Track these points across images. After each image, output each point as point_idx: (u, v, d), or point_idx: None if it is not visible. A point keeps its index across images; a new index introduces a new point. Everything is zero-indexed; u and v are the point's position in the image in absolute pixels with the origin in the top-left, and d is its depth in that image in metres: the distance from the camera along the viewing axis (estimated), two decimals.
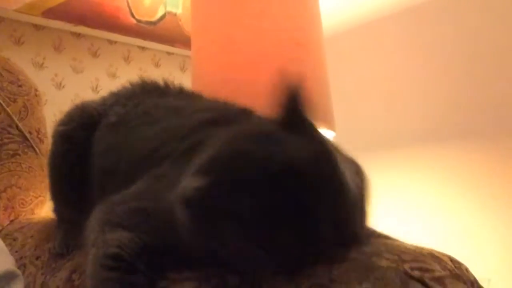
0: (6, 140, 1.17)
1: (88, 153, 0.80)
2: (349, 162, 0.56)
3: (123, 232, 0.58)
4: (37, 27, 1.57)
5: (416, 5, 1.74)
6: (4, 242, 0.90)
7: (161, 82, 0.87)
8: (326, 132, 1.28)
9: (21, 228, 1.02)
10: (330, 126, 1.32)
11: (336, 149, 0.56)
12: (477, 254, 1.37)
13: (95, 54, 1.70)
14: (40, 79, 1.48)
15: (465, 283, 0.46)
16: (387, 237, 0.57)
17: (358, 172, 0.56)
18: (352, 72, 1.90)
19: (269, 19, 1.28)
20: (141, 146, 0.71)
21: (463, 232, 1.49)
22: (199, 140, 0.65)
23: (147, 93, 0.85)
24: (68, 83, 1.63)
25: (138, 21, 1.70)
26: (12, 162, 1.16)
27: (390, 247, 0.50)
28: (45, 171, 1.10)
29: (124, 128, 0.77)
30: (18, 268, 0.83)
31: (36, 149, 1.22)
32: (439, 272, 0.45)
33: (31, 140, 1.21)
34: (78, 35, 1.66)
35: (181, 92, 0.87)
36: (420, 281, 0.43)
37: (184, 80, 1.78)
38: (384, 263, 0.46)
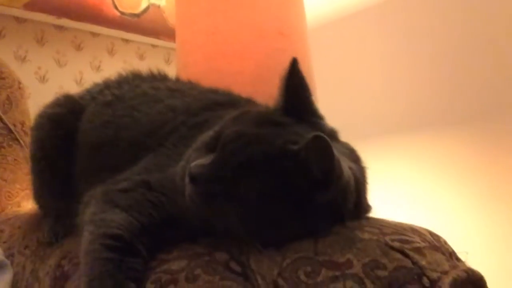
0: None
1: (74, 139, 0.80)
2: (347, 149, 0.59)
3: (122, 214, 0.58)
4: (18, 19, 1.55)
5: None
6: None
7: (156, 71, 0.88)
8: None
9: (8, 220, 1.02)
10: None
11: (334, 137, 0.59)
12: (457, 231, 1.41)
13: (78, 47, 1.69)
14: (23, 73, 1.46)
15: (443, 253, 0.48)
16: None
17: (357, 160, 0.59)
18: (336, 63, 1.93)
19: (253, 10, 1.29)
20: (147, 121, 0.72)
21: (447, 213, 1.53)
22: (206, 119, 0.67)
23: (142, 78, 0.86)
24: (52, 77, 1.62)
25: (122, 13, 1.70)
26: None
27: (372, 222, 0.52)
28: None
29: (122, 105, 0.77)
30: (7, 258, 0.84)
31: (21, 141, 1.21)
32: (418, 243, 0.47)
33: (15, 133, 1.21)
34: (61, 28, 1.65)
35: (178, 79, 0.89)
36: (400, 251, 0.45)
37: (169, 73, 1.77)
38: (366, 235, 0.48)
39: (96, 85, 0.90)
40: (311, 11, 1.64)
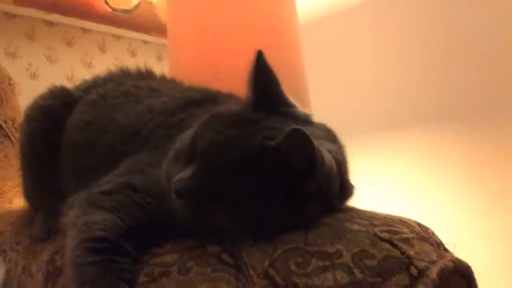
0: None
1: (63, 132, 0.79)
2: (323, 130, 0.59)
3: (106, 215, 0.57)
4: (8, 15, 1.54)
5: None
6: None
7: (143, 68, 0.88)
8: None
9: (0, 216, 1.02)
10: (307, 111, 1.34)
11: (308, 121, 0.59)
12: (446, 223, 1.43)
13: (69, 43, 1.68)
14: (13, 69, 1.45)
15: (431, 244, 0.49)
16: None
17: (334, 140, 0.59)
18: (328, 59, 1.94)
19: (245, 6, 1.29)
20: (127, 123, 0.72)
21: (435, 206, 1.55)
22: (183, 118, 0.67)
23: (128, 76, 0.86)
24: (43, 73, 1.61)
25: (113, 9, 1.69)
26: None
27: (362, 214, 0.53)
28: None
29: (105, 105, 0.77)
30: None
31: (12, 138, 1.21)
32: (407, 234, 0.48)
33: (6, 130, 1.20)
34: (51, 24, 1.64)
35: (163, 78, 0.89)
36: (389, 241, 0.46)
37: (161, 69, 1.77)
38: (355, 227, 0.48)
39: (85, 82, 0.90)
40: (303, 7, 1.64)
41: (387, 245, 0.45)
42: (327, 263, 0.44)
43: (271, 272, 0.46)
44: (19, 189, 1.22)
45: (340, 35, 1.94)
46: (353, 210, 0.56)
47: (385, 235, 0.47)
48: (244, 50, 1.28)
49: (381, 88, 1.78)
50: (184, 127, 0.62)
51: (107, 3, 1.67)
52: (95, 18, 1.66)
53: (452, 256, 0.48)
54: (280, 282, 0.44)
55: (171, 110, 0.71)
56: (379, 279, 0.42)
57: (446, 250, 0.52)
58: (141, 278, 0.53)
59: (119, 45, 1.82)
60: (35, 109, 0.84)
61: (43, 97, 0.85)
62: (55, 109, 0.82)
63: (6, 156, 1.19)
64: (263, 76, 0.57)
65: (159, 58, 1.95)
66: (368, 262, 0.44)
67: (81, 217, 0.58)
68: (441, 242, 0.53)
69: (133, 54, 1.87)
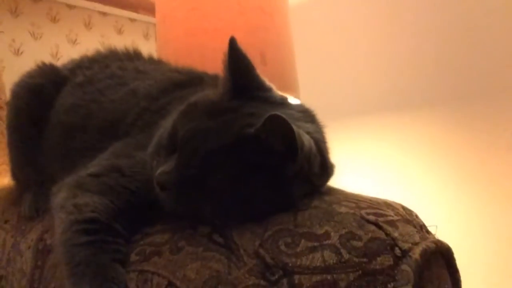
0: None
1: (51, 112, 0.79)
2: (301, 112, 0.60)
3: (95, 197, 0.58)
4: None
5: None
6: None
7: (130, 49, 0.87)
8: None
9: None
10: (295, 94, 1.35)
11: (285, 104, 0.60)
12: (429, 206, 1.47)
13: (54, 19, 1.65)
14: None
15: (414, 226, 0.51)
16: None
17: (312, 120, 0.60)
18: (317, 41, 1.93)
19: None
20: (112, 108, 0.72)
21: (419, 190, 1.59)
22: (168, 102, 0.68)
23: (115, 56, 0.85)
24: (27, 49, 1.58)
25: None
26: None
27: (349, 197, 0.54)
28: None
29: (92, 88, 0.77)
30: None
31: None
32: (391, 217, 0.50)
33: None
34: None
35: (150, 58, 0.88)
36: (375, 223, 0.48)
37: (148, 48, 1.75)
38: (343, 209, 0.50)
39: (73, 61, 0.89)
40: None
41: (373, 227, 0.47)
42: (315, 243, 0.46)
43: (262, 252, 0.47)
44: (5, 166, 1.21)
45: (329, 17, 1.94)
46: (341, 193, 0.58)
47: (371, 218, 0.49)
48: (233, 31, 1.27)
49: (371, 71, 1.79)
50: (168, 112, 0.62)
51: None
52: None
53: (434, 237, 0.51)
54: (270, 262, 0.46)
55: (155, 94, 0.71)
56: (365, 259, 0.44)
57: (428, 232, 0.54)
58: (133, 257, 0.54)
59: (105, 22, 1.79)
60: (22, 87, 0.83)
61: (31, 75, 0.84)
62: (43, 88, 0.81)
63: None
64: (238, 62, 0.57)
65: (146, 36, 1.92)
66: (355, 243, 0.45)
67: (69, 200, 0.59)
68: (423, 225, 0.55)
69: (119, 32, 1.83)
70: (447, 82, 1.59)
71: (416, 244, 0.47)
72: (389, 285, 0.43)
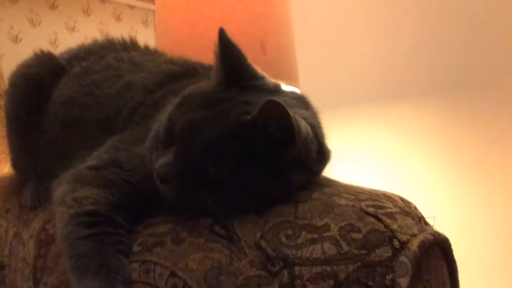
0: None
1: (48, 102, 0.79)
2: (295, 98, 0.60)
3: (94, 189, 0.58)
4: None
5: None
6: None
7: (127, 38, 0.87)
8: (290, 89, 1.31)
9: None
10: (295, 82, 1.35)
11: (279, 91, 0.60)
12: (427, 197, 1.48)
13: (52, 6, 1.63)
14: None
15: (413, 218, 0.51)
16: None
17: (307, 106, 0.61)
18: (317, 29, 1.92)
19: None
20: (108, 102, 0.72)
21: (418, 181, 1.60)
22: (163, 95, 0.68)
23: (111, 46, 0.85)
24: (25, 37, 1.56)
25: None
26: None
27: (349, 189, 0.55)
28: None
29: (87, 79, 0.77)
30: None
31: None
32: (390, 209, 0.51)
33: None
34: None
35: (146, 49, 0.88)
36: (374, 215, 0.48)
37: (147, 35, 1.74)
38: (343, 201, 0.51)
39: (70, 50, 0.88)
40: None
41: (372, 219, 0.48)
42: (315, 235, 0.47)
43: (263, 243, 0.48)
44: (5, 155, 1.21)
45: (329, 7, 1.93)
46: (340, 185, 0.59)
47: (371, 210, 0.49)
48: (233, 19, 1.26)
49: (371, 60, 1.78)
50: (163, 106, 0.63)
51: None
52: None
53: (432, 229, 0.51)
54: (271, 253, 0.47)
55: (150, 87, 0.71)
56: (364, 251, 0.45)
57: (426, 223, 0.55)
58: (135, 248, 0.55)
59: (104, 9, 1.77)
60: (19, 76, 0.82)
61: (29, 64, 0.83)
62: (41, 77, 0.80)
63: None
64: (229, 53, 0.57)
65: (145, 23, 1.91)
66: (354, 235, 0.46)
67: (69, 194, 0.59)
68: (422, 216, 0.56)
69: (118, 19, 1.82)
70: (446, 72, 1.59)
71: (415, 236, 0.47)
72: (387, 277, 0.44)
